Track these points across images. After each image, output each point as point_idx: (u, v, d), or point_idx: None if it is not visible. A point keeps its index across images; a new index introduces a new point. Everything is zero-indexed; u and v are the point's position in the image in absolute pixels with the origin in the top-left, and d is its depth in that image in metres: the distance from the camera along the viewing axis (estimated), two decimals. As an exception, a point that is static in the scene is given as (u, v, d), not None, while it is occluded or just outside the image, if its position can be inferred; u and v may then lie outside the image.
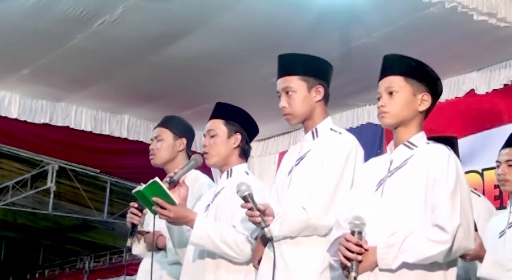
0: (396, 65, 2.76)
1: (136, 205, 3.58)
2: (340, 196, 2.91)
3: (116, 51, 5.64)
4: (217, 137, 3.43)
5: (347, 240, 2.52)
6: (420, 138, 2.74)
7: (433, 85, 2.76)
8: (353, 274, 2.49)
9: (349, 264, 2.51)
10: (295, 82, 3.09)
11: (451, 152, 2.65)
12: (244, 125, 3.48)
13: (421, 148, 2.70)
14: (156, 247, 3.68)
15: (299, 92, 3.09)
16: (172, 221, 3.19)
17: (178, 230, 3.35)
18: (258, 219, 2.91)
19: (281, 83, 3.12)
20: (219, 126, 3.45)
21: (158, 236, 3.62)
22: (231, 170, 3.43)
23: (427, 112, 2.76)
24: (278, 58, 3.18)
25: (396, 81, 2.72)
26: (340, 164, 2.96)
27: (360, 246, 2.51)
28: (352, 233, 2.52)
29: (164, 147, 3.95)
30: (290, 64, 3.12)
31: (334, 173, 2.95)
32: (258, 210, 2.91)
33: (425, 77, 2.74)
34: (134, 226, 3.65)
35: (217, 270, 3.23)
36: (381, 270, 2.53)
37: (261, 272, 3.03)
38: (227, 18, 5.03)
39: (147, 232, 3.68)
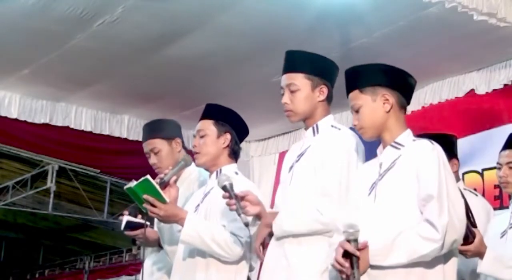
0: (351, 79, 2.80)
1: (129, 234, 3.68)
2: (351, 194, 2.91)
3: (116, 51, 5.63)
4: (206, 137, 3.45)
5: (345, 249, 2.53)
6: (406, 136, 2.75)
7: (392, 80, 2.75)
8: None
9: (345, 270, 2.51)
10: (300, 80, 3.09)
11: (434, 146, 2.65)
12: (234, 126, 3.49)
13: (407, 147, 2.70)
14: (158, 244, 3.70)
15: (302, 90, 3.09)
16: (162, 219, 3.21)
17: (169, 229, 3.37)
18: (234, 207, 2.95)
19: (286, 79, 3.12)
20: (209, 126, 3.47)
21: None
22: (220, 170, 3.44)
23: (403, 106, 2.76)
24: (285, 54, 3.18)
25: (355, 97, 2.77)
26: (343, 162, 2.96)
27: (354, 255, 2.51)
28: (348, 241, 2.53)
29: (164, 157, 3.91)
30: (296, 61, 3.12)
31: (341, 172, 2.95)
32: (236, 197, 2.95)
33: (379, 77, 2.75)
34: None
35: (208, 269, 3.24)
36: (372, 267, 2.53)
37: (264, 268, 3.04)
38: (227, 18, 5.03)
39: (144, 226, 3.69)
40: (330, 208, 2.89)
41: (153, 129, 4.01)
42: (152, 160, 3.93)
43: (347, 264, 2.50)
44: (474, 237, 3.12)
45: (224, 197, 2.99)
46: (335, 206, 2.89)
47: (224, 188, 2.98)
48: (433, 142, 2.69)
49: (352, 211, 2.75)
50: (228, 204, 2.99)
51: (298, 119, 3.16)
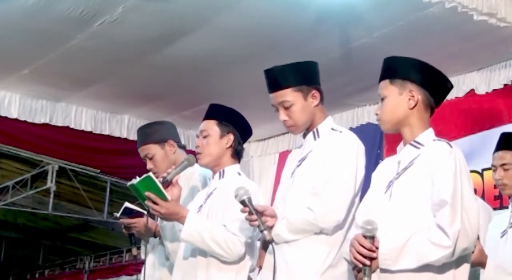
0: (386, 68, 2.77)
1: (124, 221, 3.73)
2: (346, 196, 2.91)
3: (116, 51, 5.64)
4: (209, 137, 3.43)
5: (360, 244, 2.51)
6: (427, 135, 2.70)
7: (424, 78, 2.72)
8: (365, 279, 2.49)
9: (360, 265, 2.50)
10: (290, 94, 3.06)
11: (452, 149, 2.60)
12: (237, 126, 3.48)
13: (427, 147, 2.66)
14: (155, 235, 3.72)
15: (296, 103, 3.06)
16: (164, 216, 3.21)
17: (171, 228, 3.37)
18: (256, 223, 2.90)
19: (276, 97, 3.10)
20: (212, 126, 3.45)
21: (157, 225, 3.65)
22: (223, 170, 3.42)
23: (430, 106, 2.72)
24: (265, 73, 3.13)
25: (384, 86, 2.74)
26: (344, 164, 2.96)
27: (371, 251, 2.49)
28: (364, 237, 2.51)
29: (159, 161, 3.89)
30: (279, 78, 3.08)
31: (339, 173, 2.94)
32: (256, 212, 2.90)
33: (411, 72, 2.72)
34: (131, 235, 3.78)
35: (208, 268, 3.23)
36: (381, 270, 2.51)
37: (263, 275, 3.05)
38: (227, 18, 5.03)
39: (141, 215, 3.68)
40: (321, 205, 2.88)
41: (145, 134, 3.97)
42: (149, 165, 3.92)
43: (368, 262, 2.48)
44: (474, 247, 3.13)
45: (243, 211, 2.94)
46: (327, 205, 2.88)
47: (243, 202, 2.92)
48: (452, 145, 2.64)
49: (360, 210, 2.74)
50: (249, 220, 2.93)
51: (301, 131, 3.15)
